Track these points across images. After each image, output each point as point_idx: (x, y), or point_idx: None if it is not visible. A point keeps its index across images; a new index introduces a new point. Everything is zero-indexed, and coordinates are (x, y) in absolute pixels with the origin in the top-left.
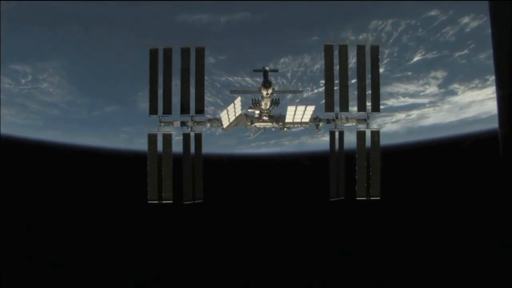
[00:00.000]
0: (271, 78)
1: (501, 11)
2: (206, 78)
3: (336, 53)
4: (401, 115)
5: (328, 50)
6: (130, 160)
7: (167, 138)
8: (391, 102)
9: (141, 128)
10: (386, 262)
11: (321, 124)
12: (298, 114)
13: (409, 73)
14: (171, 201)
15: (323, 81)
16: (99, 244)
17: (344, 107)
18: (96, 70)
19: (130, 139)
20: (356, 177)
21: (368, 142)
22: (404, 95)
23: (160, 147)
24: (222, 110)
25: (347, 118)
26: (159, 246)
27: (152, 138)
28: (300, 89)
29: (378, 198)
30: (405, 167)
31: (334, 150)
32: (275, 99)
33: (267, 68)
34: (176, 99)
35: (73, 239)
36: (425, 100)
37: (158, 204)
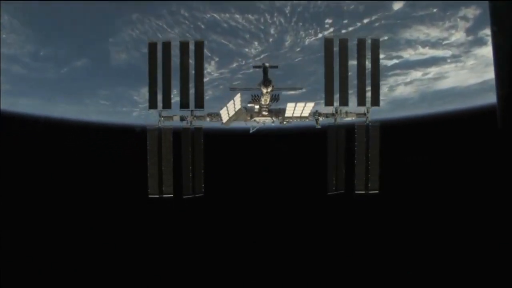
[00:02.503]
0: (271, 77)
1: (501, 11)
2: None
3: (336, 47)
4: (417, 73)
5: (328, 43)
6: (120, 137)
7: (167, 133)
8: (407, 54)
9: (120, 91)
10: (385, 259)
11: (320, 118)
12: (298, 109)
13: (434, 10)
14: (172, 195)
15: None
16: (95, 240)
17: (344, 101)
18: (51, 9)
19: (112, 106)
20: (355, 170)
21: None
22: (424, 44)
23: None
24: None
25: (346, 112)
26: (156, 240)
27: (151, 133)
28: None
29: (377, 191)
30: (409, 148)
31: (332, 144)
32: (275, 95)
33: (266, 64)
34: (176, 94)
35: (71, 236)
36: (448, 53)
37: (158, 198)
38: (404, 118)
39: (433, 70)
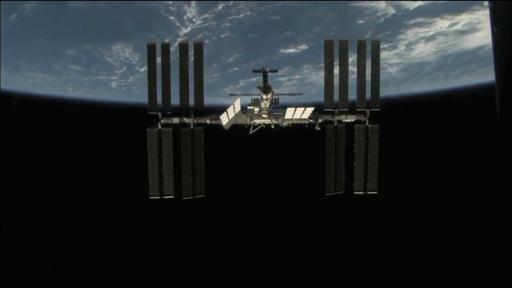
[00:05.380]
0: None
1: (501, 11)
2: None
3: (336, 48)
4: (444, 23)
5: (328, 45)
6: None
7: (167, 135)
8: None
9: (88, 49)
10: (384, 260)
11: (320, 120)
12: (298, 112)
13: None
14: (172, 196)
15: None
16: (94, 242)
17: (344, 103)
18: None
19: (85, 73)
20: (354, 172)
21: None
22: None
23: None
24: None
25: (346, 114)
26: (156, 241)
27: (151, 135)
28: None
29: (375, 192)
30: (411, 141)
31: (331, 145)
32: (275, 98)
33: (266, 69)
34: (175, 95)
35: (69, 238)
36: None
37: (159, 200)
38: (413, 97)
39: (463, 19)
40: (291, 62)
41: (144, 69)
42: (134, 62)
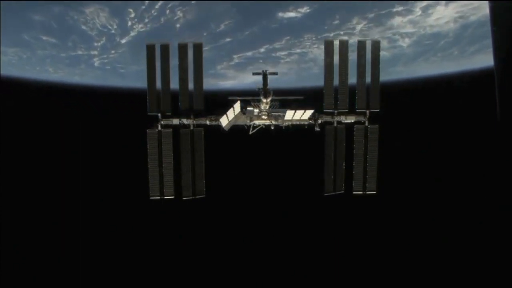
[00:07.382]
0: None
1: (501, 11)
2: None
3: (336, 49)
4: None
5: (328, 46)
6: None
7: (167, 136)
8: None
9: (57, 14)
10: (384, 260)
11: (319, 121)
12: (297, 114)
13: None
14: (172, 197)
15: None
16: (93, 243)
17: (343, 104)
18: None
19: (62, 47)
20: (353, 172)
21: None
22: None
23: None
24: None
25: (345, 115)
26: (156, 242)
27: (151, 136)
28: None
29: (374, 192)
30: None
31: (330, 146)
32: (275, 103)
33: (266, 71)
34: (175, 96)
35: (68, 239)
36: None
37: (159, 200)
38: (420, 81)
39: None
40: (291, 30)
41: (125, 40)
42: (113, 31)
